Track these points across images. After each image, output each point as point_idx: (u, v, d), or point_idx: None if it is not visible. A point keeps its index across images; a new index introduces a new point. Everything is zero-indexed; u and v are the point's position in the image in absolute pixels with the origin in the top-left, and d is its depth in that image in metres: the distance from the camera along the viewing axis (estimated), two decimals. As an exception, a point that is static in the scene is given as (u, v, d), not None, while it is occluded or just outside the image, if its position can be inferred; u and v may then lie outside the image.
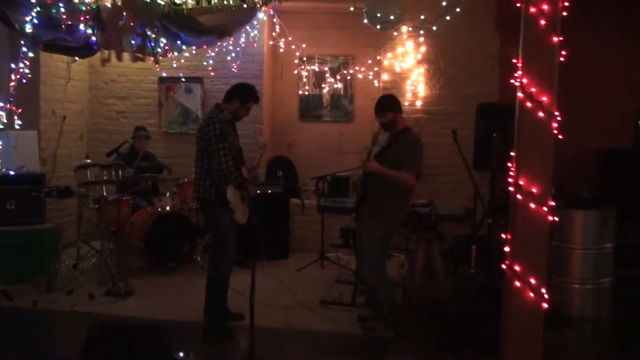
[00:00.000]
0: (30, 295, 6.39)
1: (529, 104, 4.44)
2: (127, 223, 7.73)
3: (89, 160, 7.16)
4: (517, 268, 4.55)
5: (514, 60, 4.56)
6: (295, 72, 9.29)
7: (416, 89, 8.81)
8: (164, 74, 9.22)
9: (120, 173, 6.93)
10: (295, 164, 9.64)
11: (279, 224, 8.59)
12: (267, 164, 9.50)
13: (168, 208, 7.85)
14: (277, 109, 9.81)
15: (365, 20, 7.95)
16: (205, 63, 9.07)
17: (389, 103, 5.63)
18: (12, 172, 6.90)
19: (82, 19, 7.08)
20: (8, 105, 7.43)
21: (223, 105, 5.83)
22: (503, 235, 4.77)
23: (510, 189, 4.66)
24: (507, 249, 4.68)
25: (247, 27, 8.72)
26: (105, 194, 6.91)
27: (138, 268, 7.64)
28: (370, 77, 9.06)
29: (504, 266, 4.68)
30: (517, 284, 4.55)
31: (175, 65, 9.05)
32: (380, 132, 5.75)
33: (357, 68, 9.18)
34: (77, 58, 8.28)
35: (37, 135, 8.10)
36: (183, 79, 9.20)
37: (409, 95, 8.77)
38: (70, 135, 9.06)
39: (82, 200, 7.11)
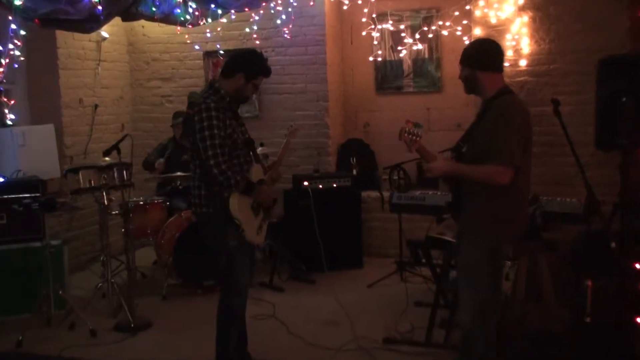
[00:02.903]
0: (30, 329, 5.15)
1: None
2: (159, 232, 6.31)
3: (106, 159, 5.66)
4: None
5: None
6: (364, 33, 7.46)
7: (518, 44, 6.73)
8: (218, 45, 7.67)
9: (125, 175, 5.45)
10: (373, 148, 7.87)
11: (349, 225, 6.88)
12: (338, 149, 7.78)
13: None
14: (349, 82, 8.04)
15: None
16: (247, 30, 7.44)
17: (466, 53, 3.77)
18: (0, 179, 5.61)
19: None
20: (-3, 97, 6.15)
21: (220, 83, 4.22)
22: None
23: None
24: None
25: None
26: (105, 201, 5.44)
27: (170, 287, 6.18)
28: (459, 33, 7.10)
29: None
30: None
31: (209, 35, 7.48)
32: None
33: (440, 23, 7.23)
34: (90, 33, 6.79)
35: (57, 130, 6.82)
36: (221, 52, 7.63)
37: (509, 53, 6.71)
38: (107, 127, 7.74)
39: (103, 207, 5.74)
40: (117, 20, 7.01)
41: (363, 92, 7.94)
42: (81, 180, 5.29)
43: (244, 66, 4.21)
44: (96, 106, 7.52)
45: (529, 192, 3.89)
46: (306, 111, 7.57)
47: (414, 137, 3.74)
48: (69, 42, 7.13)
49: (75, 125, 7.23)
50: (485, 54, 3.73)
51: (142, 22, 7.53)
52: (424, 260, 5.45)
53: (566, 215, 5.02)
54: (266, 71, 4.30)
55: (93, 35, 7.46)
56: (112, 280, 5.48)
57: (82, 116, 7.35)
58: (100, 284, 5.68)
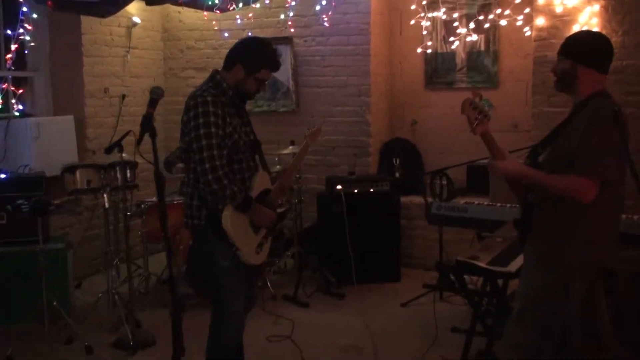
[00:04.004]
0: (24, 341, 4.74)
1: None
2: (176, 236, 5.80)
3: (114, 155, 5.12)
4: None
5: None
6: (412, 22, 6.73)
7: (587, 36, 5.91)
8: (250, 33, 7.08)
9: (128, 174, 4.93)
10: (420, 149, 7.16)
11: (387, 234, 6.21)
12: (380, 149, 7.11)
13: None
14: (397, 75, 7.33)
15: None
16: (282, 17, 6.82)
17: (571, 42, 3.15)
18: (1, 175, 5.18)
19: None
20: (5, 85, 5.72)
21: (221, 75, 3.64)
22: None
23: None
24: None
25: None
26: (106, 203, 4.93)
27: (188, 298, 5.65)
28: (519, 23, 6.30)
29: None
30: None
31: (239, 22, 6.90)
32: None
33: (497, 11, 6.43)
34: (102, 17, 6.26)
35: (79, 121, 6.41)
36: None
37: (575, 47, 5.90)
38: (135, 119, 7.26)
39: (118, 208, 5.28)
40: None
41: (411, 86, 7.22)
42: (78, 181, 4.81)
43: (244, 57, 3.61)
44: (124, 96, 7.06)
45: (619, 217, 3.20)
46: (346, 106, 6.91)
47: (481, 117, 3.00)
48: (95, 27, 6.68)
49: (100, 116, 6.79)
50: (594, 48, 3.10)
51: (179, 7, 7.05)
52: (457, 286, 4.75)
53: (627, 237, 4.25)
54: (272, 64, 3.67)
55: (123, 20, 7.03)
56: (113, 291, 4.96)
57: (108, 107, 6.90)
58: (101, 294, 5.18)
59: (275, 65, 3.69)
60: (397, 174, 6.74)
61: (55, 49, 6.59)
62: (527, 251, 3.21)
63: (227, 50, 7.45)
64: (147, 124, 2.87)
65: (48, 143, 6.01)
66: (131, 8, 6.93)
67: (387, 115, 7.28)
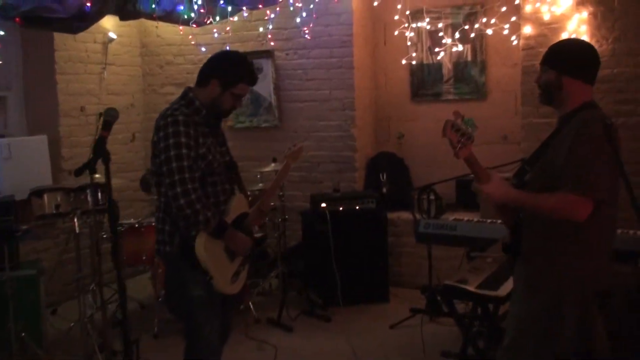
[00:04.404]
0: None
1: None
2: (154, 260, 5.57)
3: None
4: None
5: None
6: (396, 32, 6.54)
7: (575, 44, 5.73)
8: (227, 47, 6.85)
9: (100, 197, 4.69)
10: (407, 163, 6.95)
11: (374, 253, 5.98)
12: (366, 164, 6.90)
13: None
14: (382, 88, 7.13)
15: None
16: (261, 29, 6.61)
17: (554, 52, 2.92)
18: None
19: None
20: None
21: (194, 93, 3.42)
22: None
23: None
24: None
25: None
26: (77, 228, 4.69)
27: (164, 323, 5.41)
28: (506, 32, 6.12)
29: None
30: None
31: (216, 35, 6.69)
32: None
33: (483, 20, 6.25)
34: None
35: (54, 141, 6.19)
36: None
37: (564, 55, 5.72)
38: (115, 137, 7.04)
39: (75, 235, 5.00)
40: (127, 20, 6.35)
41: (397, 99, 7.02)
42: (46, 205, 4.57)
43: (220, 71, 3.38)
44: (100, 114, 6.80)
45: (614, 236, 2.94)
46: (330, 121, 6.70)
47: (464, 139, 2.69)
48: (69, 43, 6.47)
49: (76, 135, 6.56)
50: (580, 57, 2.88)
51: (156, 21, 6.84)
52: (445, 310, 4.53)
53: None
54: (249, 78, 3.44)
55: (99, 36, 6.83)
56: (86, 319, 4.71)
57: (84, 126, 6.67)
58: (73, 323, 4.93)
59: (253, 79, 3.47)
60: (384, 190, 6.54)
61: (28, 67, 6.39)
62: (517, 274, 2.99)
63: (206, 66, 7.24)
64: (100, 148, 2.65)
65: (20, 164, 5.79)
66: (106, 23, 6.72)
67: (372, 129, 7.08)
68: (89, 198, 4.65)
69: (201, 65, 3.49)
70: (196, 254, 3.21)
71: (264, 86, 6.86)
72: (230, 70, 3.40)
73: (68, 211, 4.66)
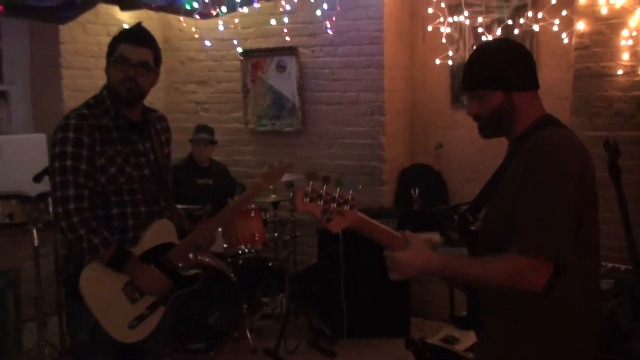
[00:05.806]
0: None
1: None
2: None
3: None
4: None
5: None
6: (430, 28, 5.75)
7: (638, 44, 4.78)
8: (235, 41, 6.24)
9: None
10: (446, 178, 6.15)
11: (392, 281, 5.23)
12: (398, 177, 6.13)
13: (207, 259, 4.88)
14: (420, 90, 6.34)
15: None
16: (273, 22, 5.92)
17: (487, 69, 2.11)
18: None
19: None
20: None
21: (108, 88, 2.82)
22: None
23: None
24: None
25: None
26: (35, 241, 4.16)
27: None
28: (556, 28, 5.25)
29: None
30: None
31: (222, 29, 6.06)
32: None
33: (529, 14, 5.38)
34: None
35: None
36: (240, 51, 6.22)
37: (625, 57, 4.78)
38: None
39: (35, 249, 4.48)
40: (149, 12, 5.83)
41: (435, 104, 6.21)
42: (-1, 213, 4.09)
43: (108, 49, 2.82)
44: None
45: (597, 297, 2.15)
46: (358, 127, 5.98)
47: (335, 207, 1.95)
48: (77, 37, 6.01)
49: (83, 135, 6.11)
50: (518, 61, 2.13)
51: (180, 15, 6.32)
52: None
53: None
54: (126, 35, 2.81)
55: (113, 28, 6.30)
56: (45, 341, 4.18)
57: (93, 125, 6.21)
58: (31, 345, 4.40)
59: (129, 36, 2.79)
60: (415, 206, 5.78)
61: (35, 61, 5.98)
62: (481, 354, 2.23)
63: (229, 62, 6.64)
64: None
65: (13, 164, 5.34)
66: (122, 15, 6.22)
67: (406, 137, 6.29)
68: (50, 208, 4.12)
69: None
70: (80, 289, 2.60)
71: (288, 86, 6.22)
72: (112, 41, 2.83)
73: (24, 221, 4.14)
